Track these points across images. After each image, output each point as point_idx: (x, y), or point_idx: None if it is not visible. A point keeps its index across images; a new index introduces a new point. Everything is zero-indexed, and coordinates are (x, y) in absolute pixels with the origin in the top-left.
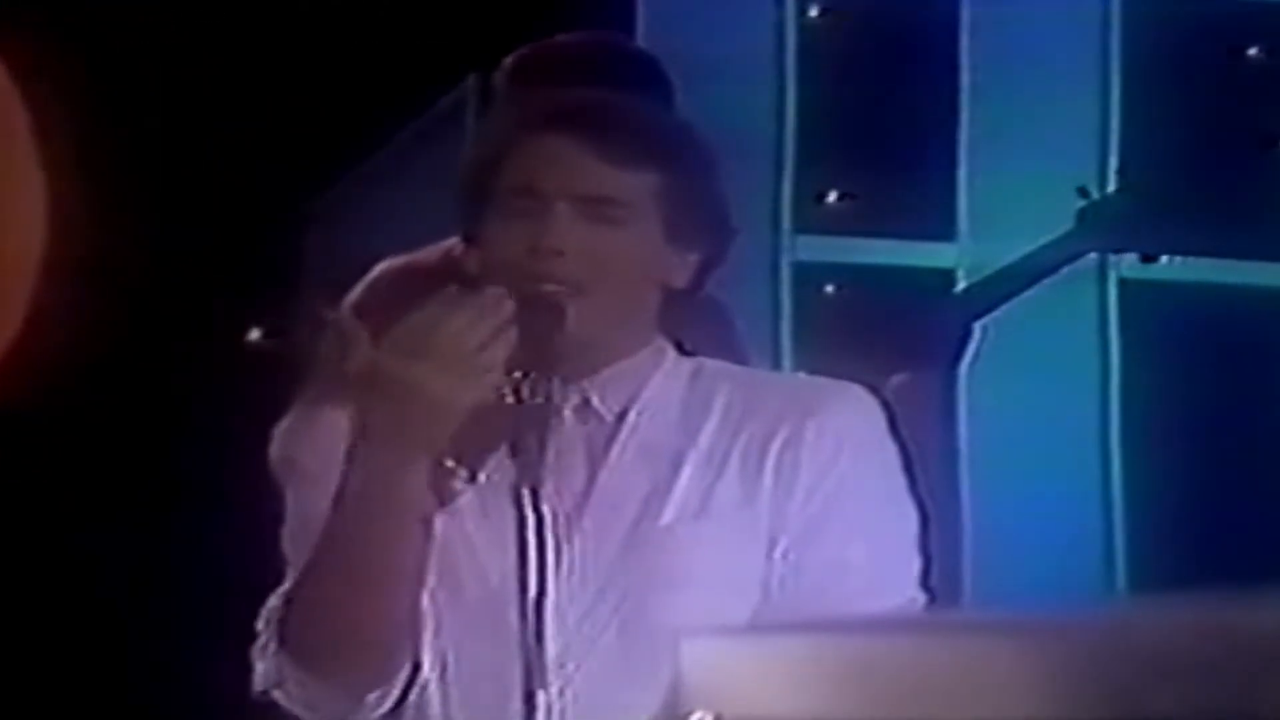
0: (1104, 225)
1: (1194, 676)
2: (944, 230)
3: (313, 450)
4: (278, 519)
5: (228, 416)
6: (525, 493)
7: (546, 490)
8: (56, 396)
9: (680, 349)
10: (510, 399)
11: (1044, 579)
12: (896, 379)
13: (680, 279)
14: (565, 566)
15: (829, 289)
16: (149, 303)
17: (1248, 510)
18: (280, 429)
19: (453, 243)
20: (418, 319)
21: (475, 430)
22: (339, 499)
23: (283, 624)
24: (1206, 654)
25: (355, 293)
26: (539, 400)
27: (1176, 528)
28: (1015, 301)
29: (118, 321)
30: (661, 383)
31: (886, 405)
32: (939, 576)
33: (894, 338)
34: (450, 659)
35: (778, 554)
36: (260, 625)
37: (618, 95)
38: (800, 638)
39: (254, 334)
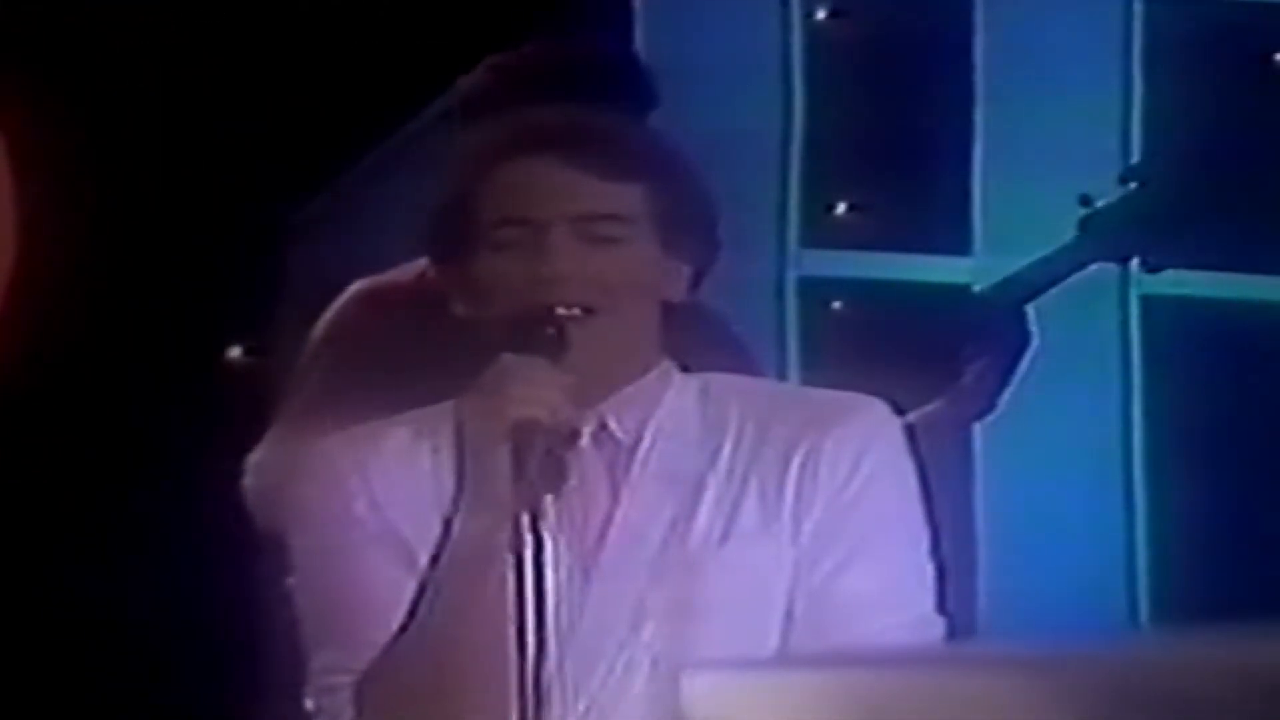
0: (1108, 234)
1: (1215, 715)
2: (958, 244)
3: (323, 494)
4: (254, 541)
5: (206, 436)
6: (524, 518)
7: (567, 518)
8: (27, 414)
9: (684, 367)
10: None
11: (1063, 605)
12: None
13: (677, 292)
14: (594, 597)
15: (837, 305)
16: (125, 318)
17: (1275, 534)
18: (266, 462)
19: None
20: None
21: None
22: (450, 561)
23: (369, 696)
24: (1229, 693)
25: (329, 314)
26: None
27: (1201, 551)
28: (1035, 319)
29: (92, 337)
30: (673, 404)
31: (907, 426)
32: (953, 603)
33: (906, 356)
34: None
35: (799, 571)
36: (316, 697)
37: (591, 111)
38: (807, 672)
39: (234, 351)
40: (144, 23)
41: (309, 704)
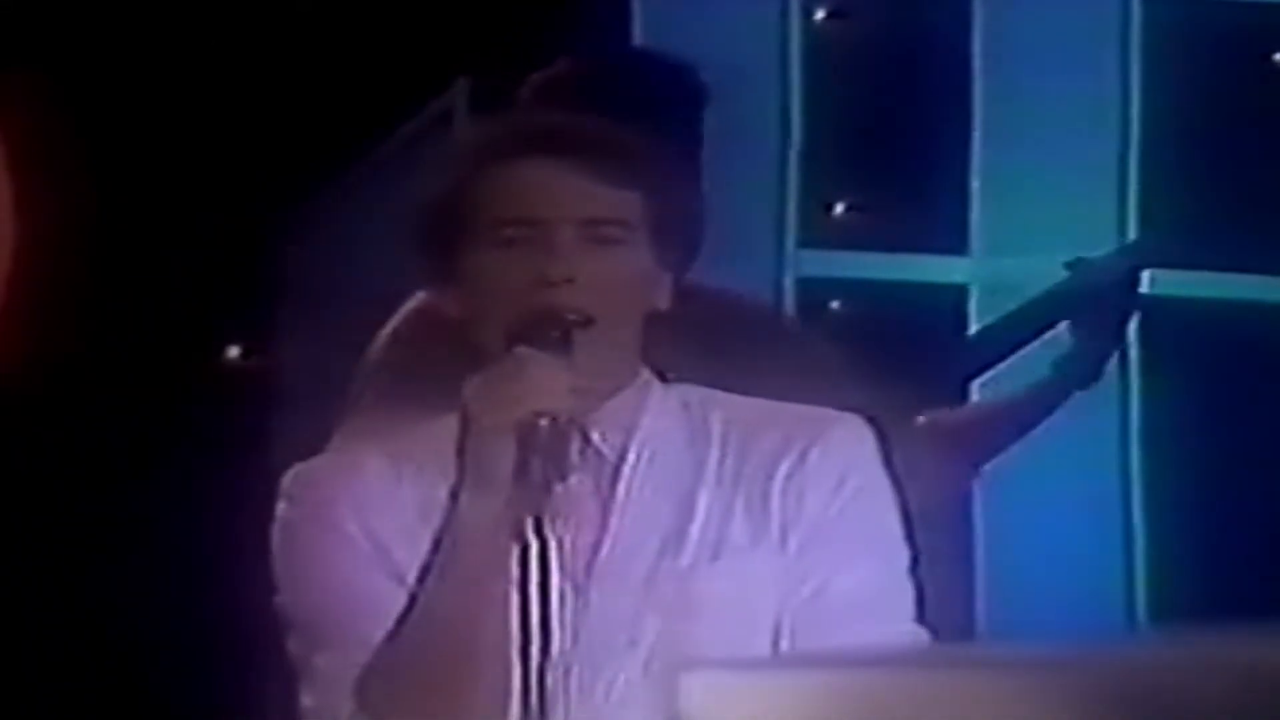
0: (1103, 285)
1: (1213, 717)
2: (956, 244)
3: (312, 514)
4: (255, 539)
5: (204, 437)
6: (529, 521)
7: (558, 532)
8: (21, 415)
9: (662, 377)
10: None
11: (1061, 608)
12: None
13: (663, 300)
14: (587, 616)
15: (835, 305)
16: (121, 320)
17: (1274, 533)
18: (314, 472)
19: None
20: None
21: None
22: (446, 547)
23: (369, 693)
24: (1227, 694)
25: (389, 326)
26: (547, 429)
27: (1199, 552)
28: None
29: (87, 339)
30: (657, 416)
31: (882, 436)
32: (950, 607)
33: (904, 358)
34: None
35: (787, 585)
36: (314, 703)
37: (594, 120)
38: (805, 672)
39: (231, 352)
40: (140, 24)
41: (306, 701)
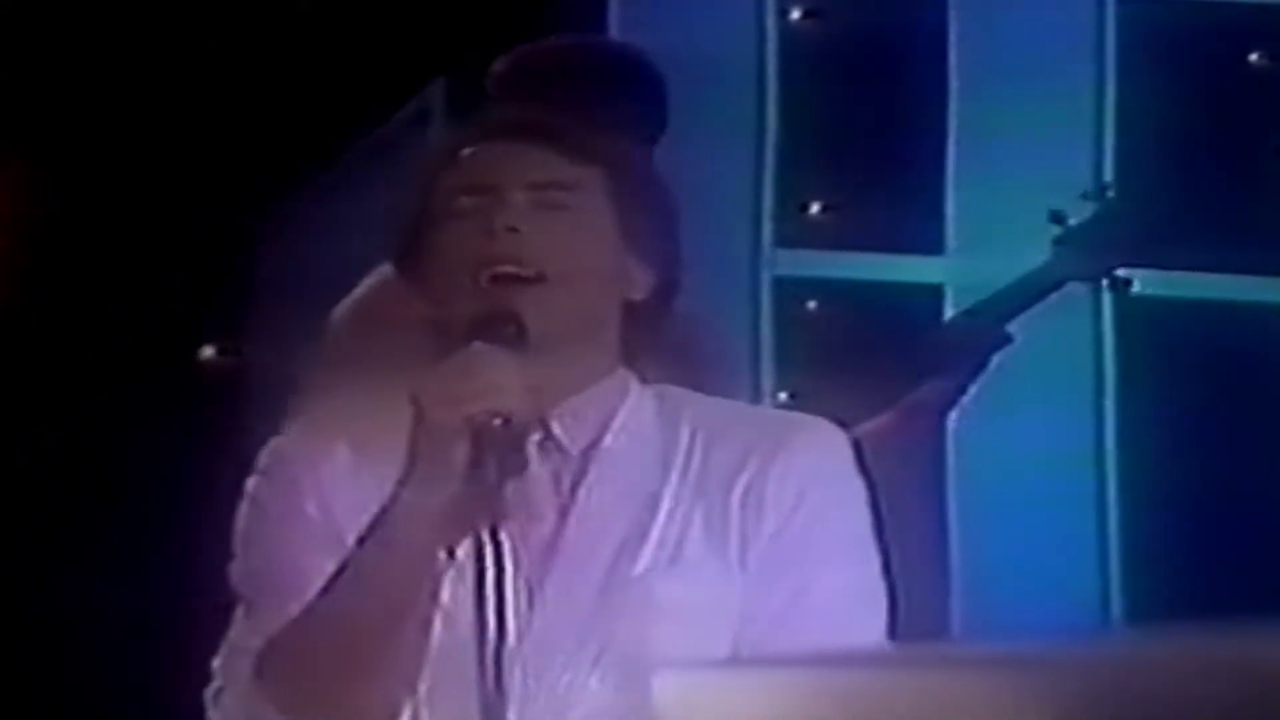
0: (1082, 253)
1: (1191, 714)
2: (932, 243)
3: (275, 489)
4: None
5: (181, 435)
6: (482, 522)
7: (513, 529)
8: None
9: (642, 379)
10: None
11: (1036, 608)
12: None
13: (638, 291)
14: (540, 613)
15: (812, 305)
16: (100, 318)
17: (1248, 532)
18: (283, 450)
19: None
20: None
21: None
22: (378, 535)
23: (268, 665)
24: (1203, 692)
25: (347, 301)
26: (500, 429)
27: (1174, 550)
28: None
29: (66, 337)
30: (629, 416)
31: (855, 442)
32: (925, 606)
33: (880, 356)
34: (422, 708)
35: (747, 599)
36: (220, 666)
37: (558, 110)
38: (779, 671)
39: (208, 351)
40: (129, 22)
41: (215, 664)
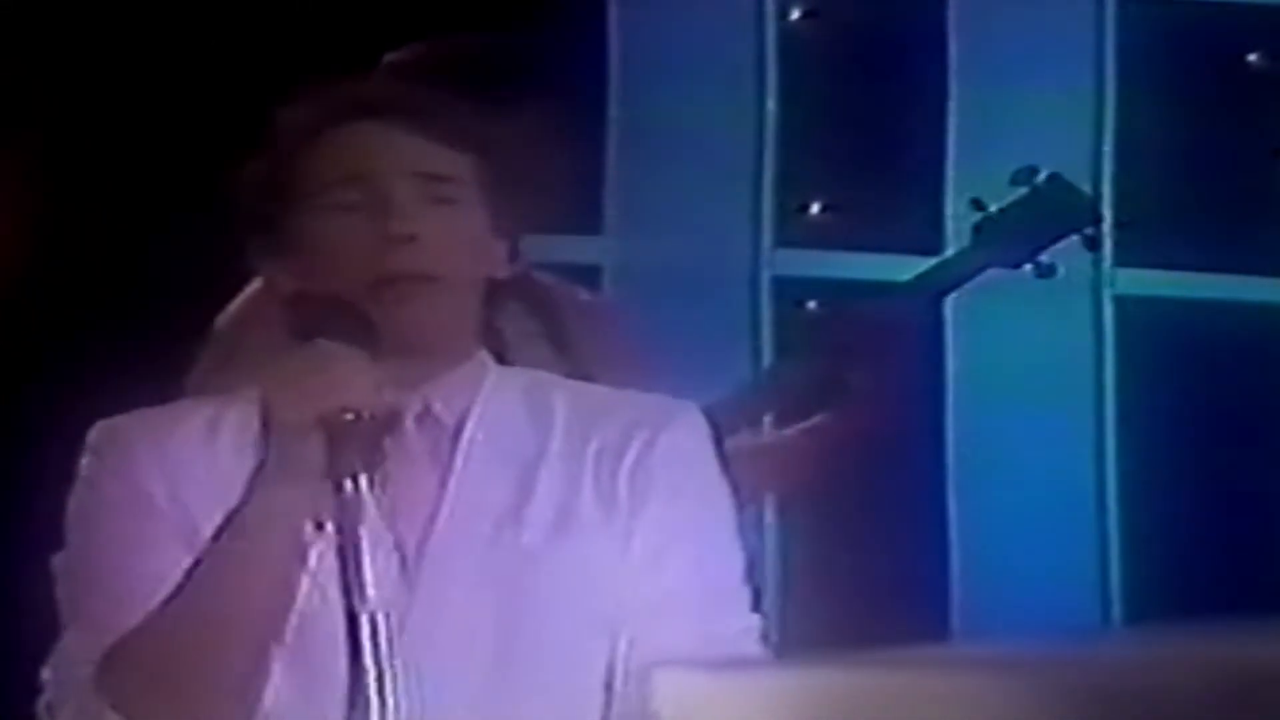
0: (1001, 239)
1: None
2: (931, 243)
3: (168, 480)
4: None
5: None
6: (347, 484)
7: (390, 501)
8: None
9: (499, 359)
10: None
11: (1036, 608)
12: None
13: (501, 268)
14: (423, 587)
15: (811, 305)
16: (97, 318)
17: (1248, 532)
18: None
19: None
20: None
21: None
22: (233, 531)
23: (114, 672)
24: (1203, 692)
25: (231, 308)
26: (351, 424)
27: (1174, 550)
28: (1007, 319)
29: (65, 335)
30: (495, 392)
31: (715, 429)
32: (924, 607)
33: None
34: (281, 685)
35: (627, 574)
36: (54, 675)
37: (417, 87)
38: (780, 672)
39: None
40: (123, 14)
41: (45, 673)
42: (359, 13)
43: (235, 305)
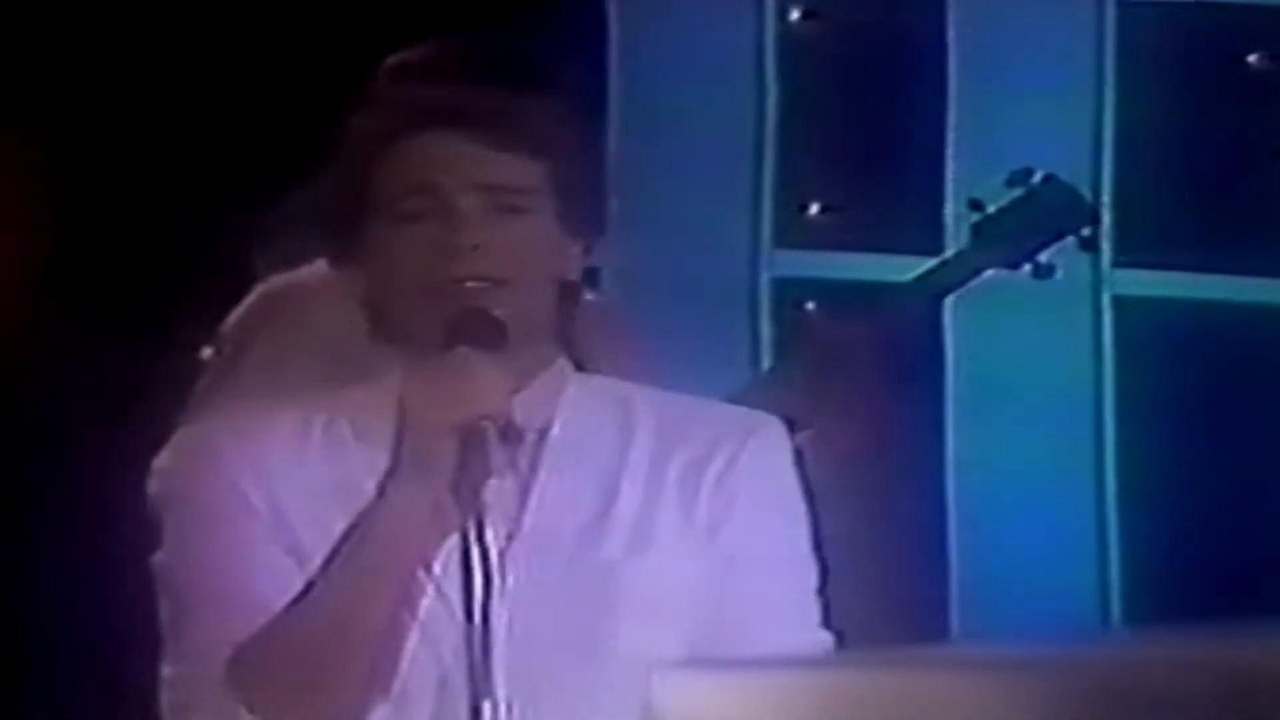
0: (1000, 240)
1: (1190, 714)
2: (931, 244)
3: (212, 482)
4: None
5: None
6: (471, 525)
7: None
8: None
9: (578, 365)
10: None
11: (1036, 608)
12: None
13: (573, 270)
14: (509, 599)
15: (810, 306)
16: (98, 320)
17: (1247, 532)
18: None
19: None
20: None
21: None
22: (362, 533)
23: (244, 668)
24: (1202, 692)
25: (236, 313)
26: (489, 431)
27: (1173, 550)
28: (1006, 320)
29: (65, 338)
30: (575, 402)
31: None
32: (925, 608)
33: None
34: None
35: (709, 586)
36: (178, 672)
37: (492, 91)
38: (780, 672)
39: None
40: (128, 21)
41: (166, 670)
42: (359, 12)
43: (241, 309)
